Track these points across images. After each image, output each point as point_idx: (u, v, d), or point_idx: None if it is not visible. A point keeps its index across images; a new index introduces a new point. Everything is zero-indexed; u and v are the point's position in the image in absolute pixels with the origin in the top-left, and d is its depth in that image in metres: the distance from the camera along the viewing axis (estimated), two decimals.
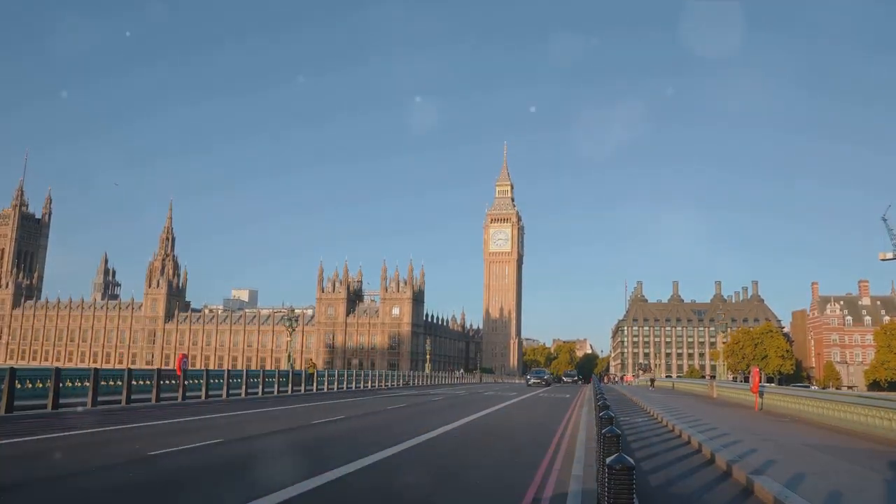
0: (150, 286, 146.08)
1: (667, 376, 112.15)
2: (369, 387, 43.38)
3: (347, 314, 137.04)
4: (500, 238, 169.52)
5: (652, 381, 65.51)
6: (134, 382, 21.09)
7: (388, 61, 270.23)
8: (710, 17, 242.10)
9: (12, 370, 16.44)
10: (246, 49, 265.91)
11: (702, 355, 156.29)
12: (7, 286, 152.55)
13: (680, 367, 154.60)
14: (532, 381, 58.94)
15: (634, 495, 4.08)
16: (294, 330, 45.94)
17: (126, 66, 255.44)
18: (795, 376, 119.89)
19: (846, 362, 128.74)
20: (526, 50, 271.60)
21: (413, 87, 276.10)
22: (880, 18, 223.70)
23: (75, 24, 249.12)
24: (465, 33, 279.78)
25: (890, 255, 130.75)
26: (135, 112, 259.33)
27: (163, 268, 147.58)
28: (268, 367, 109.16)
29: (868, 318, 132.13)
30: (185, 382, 23.86)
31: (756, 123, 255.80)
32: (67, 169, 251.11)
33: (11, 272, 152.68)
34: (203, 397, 24.58)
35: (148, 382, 22.46)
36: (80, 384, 19.04)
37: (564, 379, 78.99)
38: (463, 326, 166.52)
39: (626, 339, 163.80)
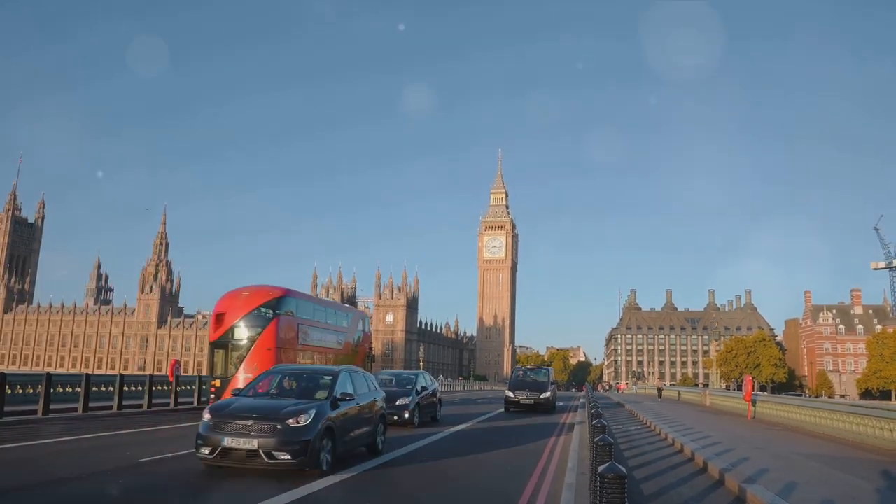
0: (143, 292, 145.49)
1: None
2: None
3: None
4: (495, 245, 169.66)
5: (660, 390, 52.68)
6: (126, 388, 20.98)
7: (385, 69, 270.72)
8: (703, 23, 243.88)
9: (3, 375, 16.33)
10: (243, 57, 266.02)
11: (695, 363, 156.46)
12: None
13: (673, 376, 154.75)
14: (520, 398, 27.06)
15: None
16: None
17: (122, 72, 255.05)
18: (788, 385, 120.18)
19: (838, 371, 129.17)
20: (522, 57, 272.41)
21: (408, 95, 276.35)
22: (876, 22, 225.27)
23: (73, 28, 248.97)
24: (462, 41, 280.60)
25: (882, 265, 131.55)
26: (130, 118, 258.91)
27: (156, 273, 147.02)
28: None
29: (860, 328, 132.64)
30: (178, 388, 23.75)
31: (749, 131, 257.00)
32: (61, 174, 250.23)
33: (3, 277, 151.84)
34: (196, 403, 24.46)
35: (140, 388, 22.34)
36: (71, 390, 18.96)
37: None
38: (457, 334, 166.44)
39: (619, 347, 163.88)
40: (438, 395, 20.86)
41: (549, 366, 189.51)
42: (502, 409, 27.58)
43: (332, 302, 34.47)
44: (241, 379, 19.75)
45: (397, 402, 17.00)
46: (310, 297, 30.81)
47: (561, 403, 38.57)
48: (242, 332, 22.10)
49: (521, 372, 30.24)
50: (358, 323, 31.39)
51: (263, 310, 22.43)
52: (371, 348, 33.32)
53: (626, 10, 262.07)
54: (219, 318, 22.81)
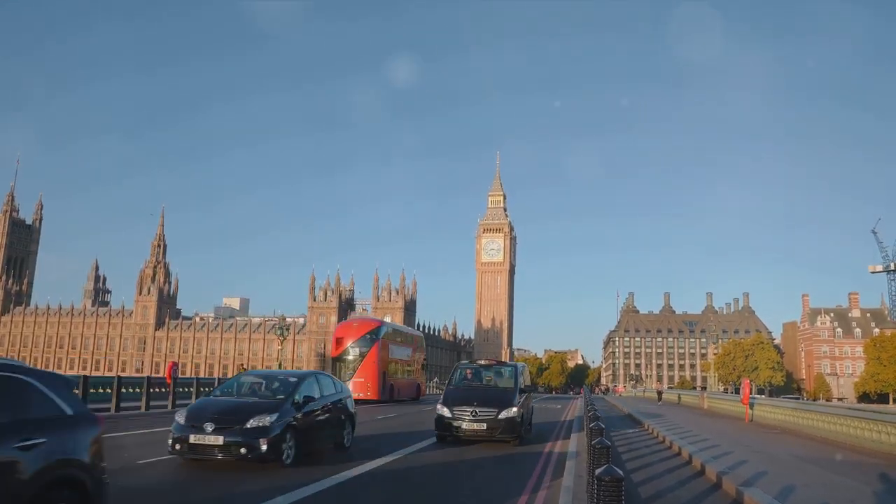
0: (140, 293, 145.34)
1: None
2: None
3: (339, 323, 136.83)
4: (493, 248, 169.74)
5: (660, 394, 52.12)
6: (123, 390, 21.01)
7: (384, 72, 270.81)
8: (698, 22, 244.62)
9: None
10: (242, 57, 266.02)
11: (693, 366, 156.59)
12: None
13: (671, 378, 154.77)
14: (462, 421, 14.28)
15: None
16: (285, 338, 46.06)
17: (121, 73, 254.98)
18: (786, 388, 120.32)
19: (836, 374, 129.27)
20: (521, 59, 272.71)
21: (406, 97, 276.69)
22: (874, 24, 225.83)
23: (70, 30, 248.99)
24: (459, 42, 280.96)
25: (880, 268, 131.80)
26: (128, 120, 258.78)
27: (154, 275, 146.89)
28: None
29: (858, 331, 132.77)
30: (176, 390, 23.77)
31: (746, 132, 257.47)
32: (59, 175, 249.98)
33: (1, 278, 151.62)
34: None
35: (138, 390, 22.39)
36: None
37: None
38: (454, 336, 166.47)
39: (617, 350, 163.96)
40: (351, 407, 13.57)
41: (548, 368, 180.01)
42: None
43: (405, 327, 54.93)
44: (352, 383, 30.18)
45: (248, 424, 10.04)
46: (394, 325, 44.62)
47: (558, 406, 38.33)
48: (355, 351, 33.03)
49: (468, 372, 17.14)
50: (417, 342, 42.78)
51: (368, 335, 33.62)
52: (425, 359, 43.95)
53: (624, 13, 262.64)
54: (338, 341, 34.41)
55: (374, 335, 33.75)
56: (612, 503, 4.07)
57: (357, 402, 16.87)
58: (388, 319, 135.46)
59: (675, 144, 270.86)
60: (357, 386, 31.14)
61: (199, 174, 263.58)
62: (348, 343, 33.47)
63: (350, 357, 33.07)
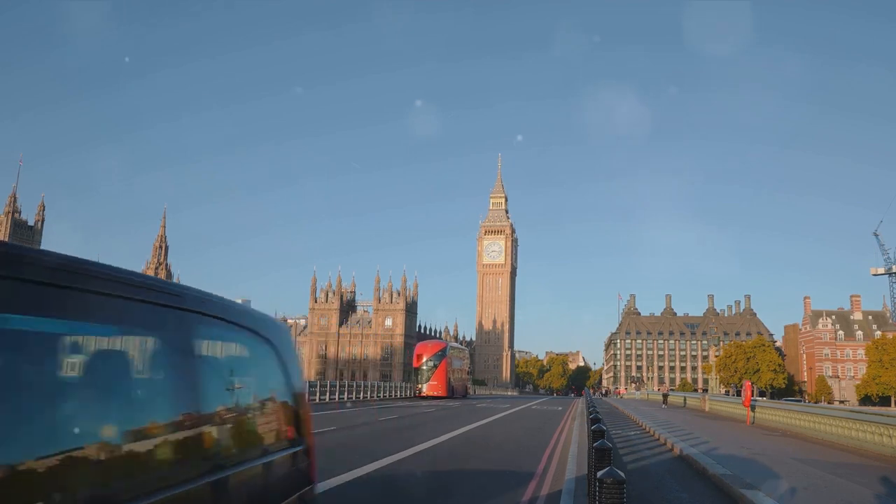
0: None
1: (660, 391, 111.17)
2: (361, 398, 43.18)
3: (340, 324, 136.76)
4: (494, 250, 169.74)
5: (665, 396, 50.05)
6: None
7: (384, 73, 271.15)
8: (702, 25, 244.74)
9: None
10: (243, 59, 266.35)
11: (694, 368, 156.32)
12: None
13: (672, 381, 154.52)
14: None
15: None
16: None
17: (122, 76, 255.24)
18: (787, 390, 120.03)
19: (838, 377, 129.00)
20: (521, 61, 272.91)
21: (409, 99, 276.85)
22: (878, 31, 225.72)
23: (71, 31, 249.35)
24: (462, 44, 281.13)
25: (881, 271, 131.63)
26: (129, 121, 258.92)
27: (155, 276, 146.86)
28: None
29: (860, 333, 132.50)
30: None
31: (750, 136, 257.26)
32: (61, 176, 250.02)
33: None
34: None
35: None
36: None
37: None
38: (456, 338, 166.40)
39: (618, 352, 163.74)
40: None
41: (549, 370, 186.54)
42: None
43: (459, 345, 67.75)
44: (428, 385, 47.81)
45: None
46: (453, 344, 58.42)
47: (559, 408, 38.31)
48: (430, 364, 48.60)
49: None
50: (465, 355, 58.01)
51: (439, 352, 49.26)
52: (470, 367, 65.08)
53: (622, 16, 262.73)
54: (418, 356, 49.89)
55: (443, 352, 49.41)
56: None
57: (431, 398, 36.30)
58: (388, 322, 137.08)
59: (675, 145, 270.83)
60: (432, 388, 47.70)
61: (199, 174, 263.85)
62: (425, 358, 48.80)
63: (426, 368, 48.54)
